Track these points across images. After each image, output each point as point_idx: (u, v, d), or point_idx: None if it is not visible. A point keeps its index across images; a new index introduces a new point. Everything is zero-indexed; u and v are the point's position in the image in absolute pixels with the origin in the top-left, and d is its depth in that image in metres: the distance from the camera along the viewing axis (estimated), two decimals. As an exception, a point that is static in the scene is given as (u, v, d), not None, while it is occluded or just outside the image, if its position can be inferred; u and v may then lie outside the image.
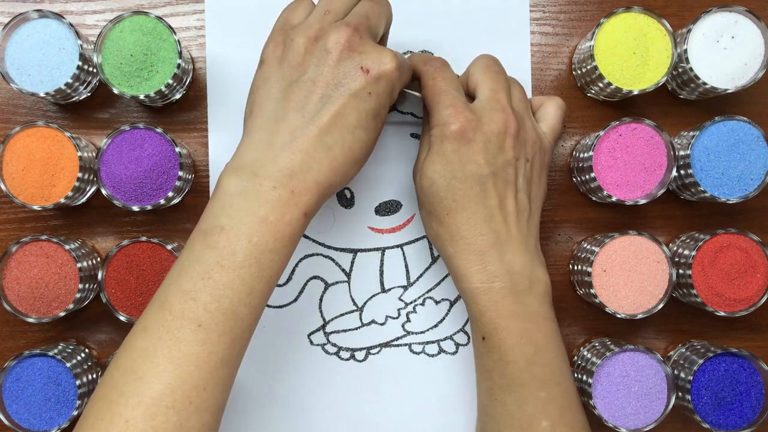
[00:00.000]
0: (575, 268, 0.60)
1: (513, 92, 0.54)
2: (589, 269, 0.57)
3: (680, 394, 0.57)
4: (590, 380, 0.56)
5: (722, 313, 0.56)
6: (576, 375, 0.60)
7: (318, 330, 0.62)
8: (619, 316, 0.56)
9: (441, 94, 0.52)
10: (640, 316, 0.56)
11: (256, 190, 0.46)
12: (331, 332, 0.62)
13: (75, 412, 0.56)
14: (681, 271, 0.57)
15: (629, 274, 0.57)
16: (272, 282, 0.47)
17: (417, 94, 0.56)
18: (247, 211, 0.46)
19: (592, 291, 0.57)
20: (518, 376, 0.50)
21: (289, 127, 0.48)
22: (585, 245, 0.60)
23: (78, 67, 0.56)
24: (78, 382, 0.56)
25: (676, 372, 0.58)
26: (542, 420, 0.50)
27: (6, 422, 0.55)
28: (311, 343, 0.62)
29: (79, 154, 0.56)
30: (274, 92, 0.49)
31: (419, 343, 0.62)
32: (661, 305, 0.56)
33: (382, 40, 0.54)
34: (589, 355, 0.59)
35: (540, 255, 0.53)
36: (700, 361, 0.56)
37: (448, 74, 0.54)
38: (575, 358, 0.61)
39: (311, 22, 0.50)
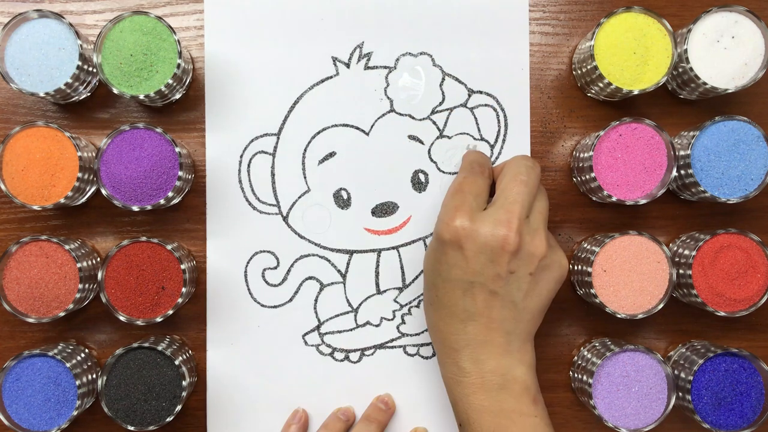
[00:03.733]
0: (575, 268, 0.60)
1: (536, 205, 0.54)
2: (589, 269, 0.57)
3: (680, 394, 0.57)
4: (590, 380, 0.56)
5: (722, 313, 0.56)
6: (576, 375, 0.60)
7: (313, 331, 0.62)
8: (619, 316, 0.56)
9: (457, 193, 0.53)
10: (640, 316, 0.56)
11: None
12: (326, 333, 0.62)
13: (75, 412, 0.56)
14: (681, 271, 0.57)
15: (629, 274, 0.57)
16: None
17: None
18: None
19: (592, 291, 0.56)
20: None
21: None
22: (585, 245, 0.60)
23: (78, 67, 0.56)
24: (78, 382, 0.56)
25: (676, 372, 0.58)
26: None
27: (6, 422, 0.55)
28: (306, 343, 0.62)
29: (79, 154, 0.56)
30: None
31: (414, 345, 0.62)
32: (661, 305, 0.56)
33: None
34: (589, 355, 0.59)
35: (524, 354, 0.53)
36: (701, 361, 0.56)
37: (478, 180, 0.54)
38: (575, 358, 0.61)
39: None
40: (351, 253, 0.62)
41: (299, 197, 0.62)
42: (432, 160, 0.62)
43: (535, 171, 0.54)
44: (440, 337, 0.54)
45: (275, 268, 0.62)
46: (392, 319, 0.62)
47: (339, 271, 0.62)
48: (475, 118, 0.62)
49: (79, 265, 0.56)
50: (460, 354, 0.52)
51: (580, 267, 0.59)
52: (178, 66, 0.56)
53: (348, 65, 0.62)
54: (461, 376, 0.52)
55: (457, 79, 0.62)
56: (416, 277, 0.62)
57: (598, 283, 0.57)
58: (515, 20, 0.62)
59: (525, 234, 0.52)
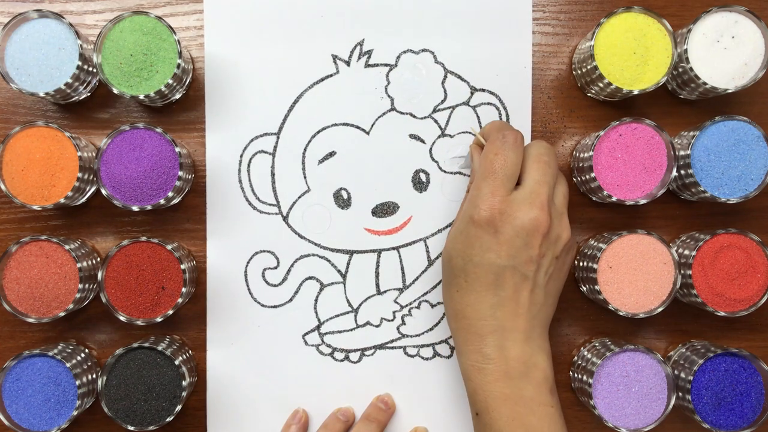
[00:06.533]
0: (581, 264, 0.60)
1: (557, 188, 0.54)
2: (594, 265, 0.57)
3: (680, 394, 0.57)
4: (590, 380, 0.56)
5: (722, 313, 0.56)
6: (576, 375, 0.60)
7: (313, 330, 0.62)
8: (620, 313, 0.56)
9: (491, 174, 0.52)
10: (641, 316, 0.56)
11: None
12: (326, 333, 0.62)
13: (75, 412, 0.56)
14: (681, 271, 0.57)
15: (634, 273, 0.57)
16: None
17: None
18: None
19: (596, 287, 0.56)
20: None
21: None
22: (592, 242, 0.60)
23: (78, 67, 0.56)
24: (78, 382, 0.56)
25: (676, 372, 0.58)
26: None
27: (6, 422, 0.55)
28: (306, 343, 0.62)
29: (79, 154, 0.56)
30: None
31: (414, 346, 0.62)
32: (662, 307, 0.56)
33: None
34: (589, 355, 0.59)
35: (544, 342, 0.53)
36: (701, 361, 0.56)
37: (511, 156, 0.53)
38: (575, 358, 0.61)
39: None
40: (351, 253, 0.62)
41: (299, 197, 0.62)
42: (433, 159, 0.62)
43: (554, 152, 0.55)
44: (465, 324, 0.53)
45: (275, 268, 0.62)
46: (392, 320, 0.62)
47: (339, 271, 0.62)
48: (478, 117, 0.62)
49: (79, 265, 0.56)
50: (485, 340, 0.52)
51: (585, 263, 0.59)
52: (178, 66, 0.56)
53: (348, 63, 0.62)
54: (484, 363, 0.52)
55: (459, 77, 0.62)
56: (417, 278, 0.62)
57: (602, 279, 0.57)
58: (518, 17, 0.62)
59: (554, 216, 0.52)
